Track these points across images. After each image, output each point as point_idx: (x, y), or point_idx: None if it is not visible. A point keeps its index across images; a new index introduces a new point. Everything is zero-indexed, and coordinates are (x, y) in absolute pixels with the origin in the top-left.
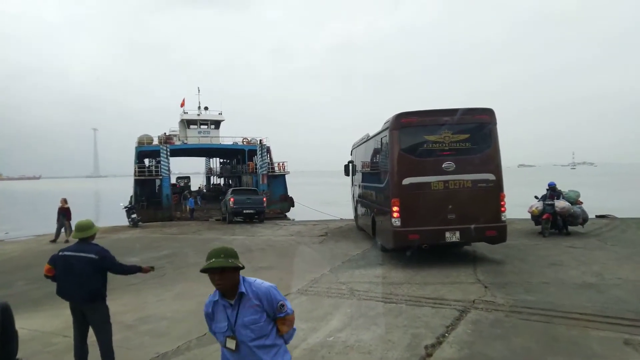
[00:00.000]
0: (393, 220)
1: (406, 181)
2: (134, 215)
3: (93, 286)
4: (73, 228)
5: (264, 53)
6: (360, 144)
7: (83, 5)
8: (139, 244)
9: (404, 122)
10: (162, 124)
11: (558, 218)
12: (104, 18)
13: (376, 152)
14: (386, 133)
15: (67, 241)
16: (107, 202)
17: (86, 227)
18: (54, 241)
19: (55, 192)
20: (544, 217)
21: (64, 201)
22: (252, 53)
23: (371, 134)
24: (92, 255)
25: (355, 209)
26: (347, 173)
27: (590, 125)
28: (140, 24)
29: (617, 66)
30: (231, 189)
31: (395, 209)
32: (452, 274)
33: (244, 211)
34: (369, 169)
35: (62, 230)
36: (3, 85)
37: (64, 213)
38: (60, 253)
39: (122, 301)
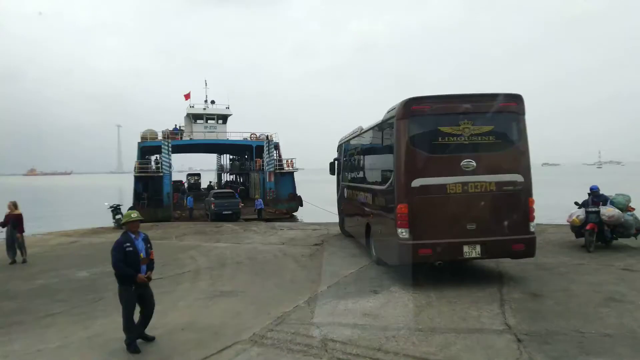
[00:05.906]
0: (399, 231)
1: (416, 183)
2: (118, 216)
3: None
4: (24, 245)
5: (286, 52)
6: (352, 138)
7: (114, 7)
8: (103, 254)
9: (414, 110)
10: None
11: (605, 228)
12: (132, 20)
13: (374, 147)
14: (391, 123)
15: (24, 261)
16: (122, 198)
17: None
18: (13, 262)
19: (85, 187)
20: (588, 227)
21: (13, 205)
22: (275, 52)
23: (365, 127)
24: None
25: (341, 212)
26: (332, 172)
27: (617, 123)
28: (167, 25)
29: None
30: (213, 192)
31: (402, 217)
32: (471, 313)
33: (223, 212)
34: (364, 168)
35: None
36: (36, 87)
37: (15, 222)
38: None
39: (13, 346)
